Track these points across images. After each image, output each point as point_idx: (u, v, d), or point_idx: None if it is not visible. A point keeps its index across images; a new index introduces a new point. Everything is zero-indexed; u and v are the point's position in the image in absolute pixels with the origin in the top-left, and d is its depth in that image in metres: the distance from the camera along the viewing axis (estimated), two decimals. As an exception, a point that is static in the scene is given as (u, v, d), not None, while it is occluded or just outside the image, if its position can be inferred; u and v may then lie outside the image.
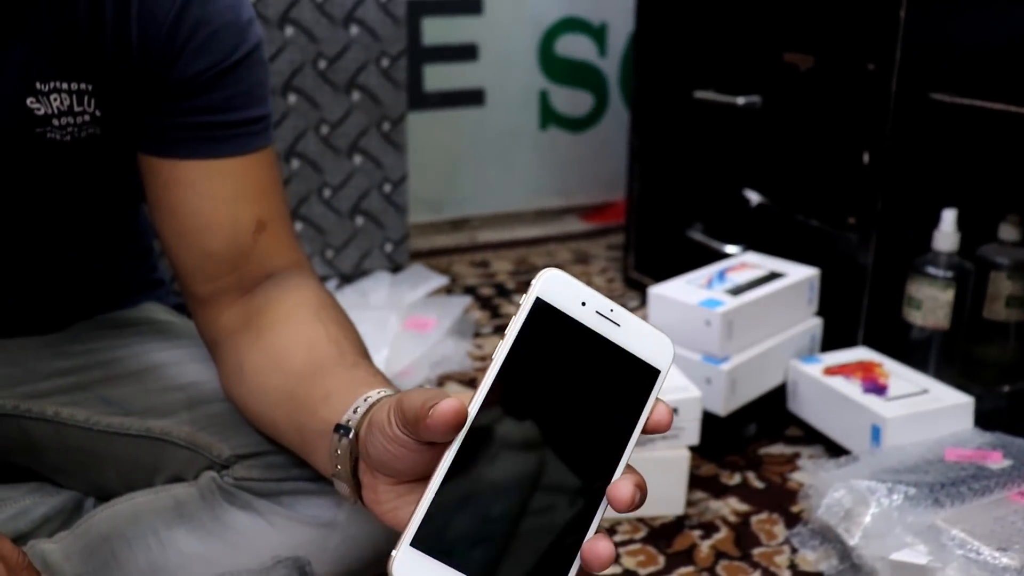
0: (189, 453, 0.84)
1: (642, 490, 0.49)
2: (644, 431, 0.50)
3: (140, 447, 0.86)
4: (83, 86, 0.78)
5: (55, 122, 0.79)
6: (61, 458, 0.90)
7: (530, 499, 0.48)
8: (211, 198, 0.81)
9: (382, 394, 0.64)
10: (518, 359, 0.48)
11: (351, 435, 0.62)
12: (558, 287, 0.48)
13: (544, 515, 0.48)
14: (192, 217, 0.82)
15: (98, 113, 0.80)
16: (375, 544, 0.81)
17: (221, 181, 0.82)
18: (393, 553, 0.46)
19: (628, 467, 0.50)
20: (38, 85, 0.76)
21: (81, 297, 0.98)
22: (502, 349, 0.48)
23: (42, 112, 0.77)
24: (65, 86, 0.77)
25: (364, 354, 0.76)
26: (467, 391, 1.38)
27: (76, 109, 0.79)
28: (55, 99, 0.77)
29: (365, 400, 0.63)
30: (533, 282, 0.48)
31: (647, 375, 0.50)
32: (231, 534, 0.79)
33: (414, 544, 0.46)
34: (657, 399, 0.50)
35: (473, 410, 0.47)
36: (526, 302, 0.48)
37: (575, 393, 0.49)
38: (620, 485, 0.48)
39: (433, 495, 0.46)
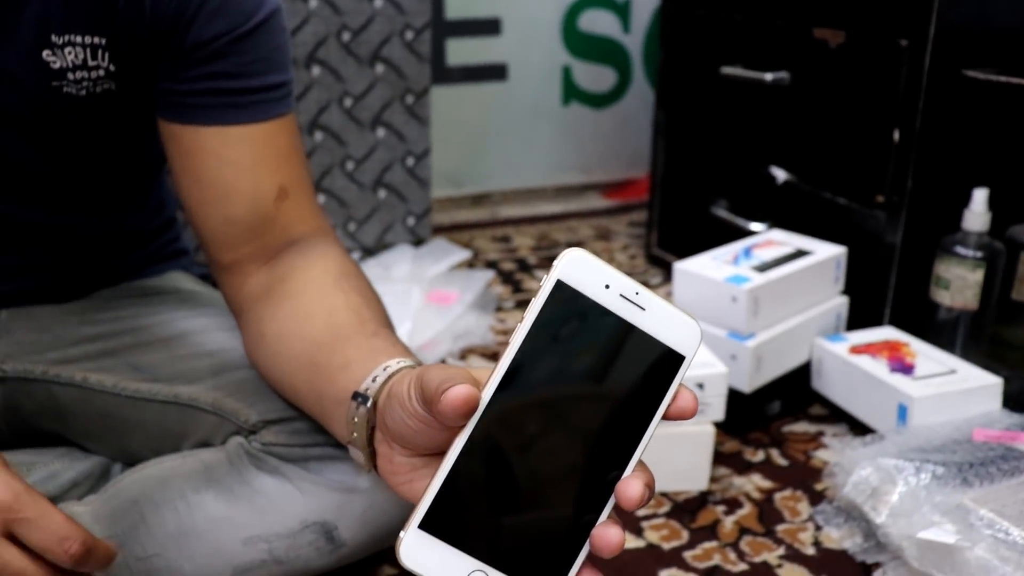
0: (216, 419, 0.84)
1: (651, 488, 0.48)
2: (668, 417, 0.49)
3: (167, 413, 0.87)
4: (97, 40, 0.78)
5: (70, 76, 0.78)
6: (89, 423, 0.90)
7: (542, 485, 0.47)
8: (232, 165, 0.81)
9: (402, 364, 0.64)
10: (536, 343, 0.46)
11: (368, 404, 0.61)
12: (581, 268, 0.46)
13: (555, 501, 0.47)
14: (214, 184, 0.82)
15: (112, 68, 0.79)
16: (401, 508, 0.82)
17: (242, 148, 0.81)
18: (401, 534, 0.45)
19: (640, 464, 0.49)
20: (53, 38, 0.76)
21: (106, 265, 0.98)
22: (520, 332, 0.46)
23: (57, 65, 0.77)
24: (79, 39, 0.77)
25: (386, 323, 0.76)
26: (490, 366, 1.38)
27: (90, 63, 0.79)
28: (69, 52, 0.77)
29: (384, 369, 0.63)
30: (555, 263, 0.46)
31: (672, 361, 0.48)
32: (259, 498, 0.79)
33: (423, 526, 0.45)
34: (681, 385, 0.49)
35: (487, 395, 0.46)
36: (546, 284, 0.46)
37: (594, 379, 0.47)
38: (630, 484, 0.47)
39: (444, 478, 0.46)
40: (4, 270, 0.90)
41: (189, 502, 0.80)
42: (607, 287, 0.47)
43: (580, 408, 0.47)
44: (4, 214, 0.86)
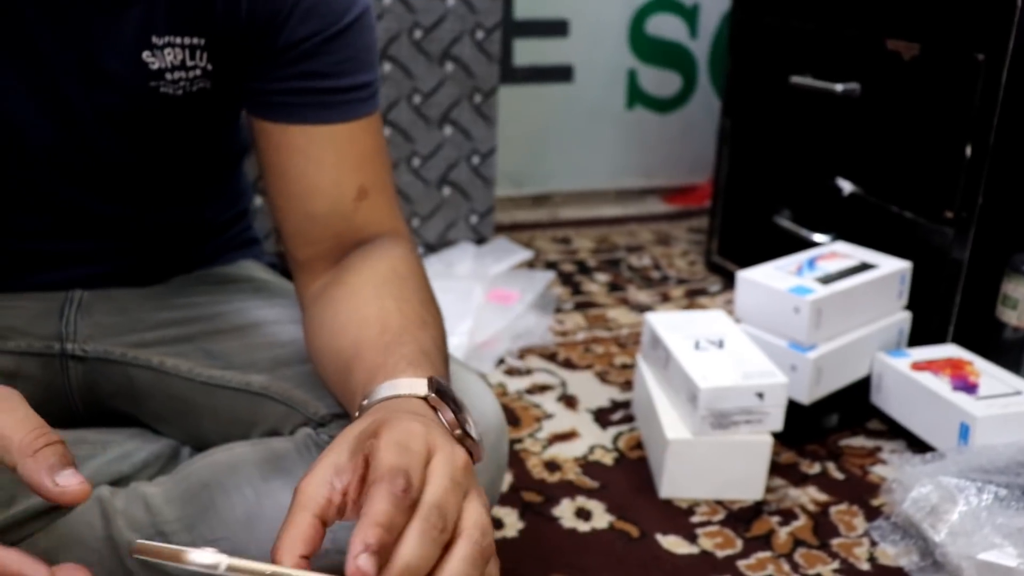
0: (286, 409, 0.86)
1: None
2: None
3: (239, 400, 0.89)
4: (196, 40, 0.80)
5: (168, 76, 0.81)
6: (162, 406, 0.93)
7: None
8: (316, 163, 0.83)
9: (384, 394, 0.64)
10: None
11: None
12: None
13: None
14: (297, 181, 0.83)
15: (209, 67, 0.81)
16: None
17: (326, 147, 0.83)
18: None
19: None
20: (154, 39, 0.78)
21: (183, 253, 1.00)
22: None
23: (156, 66, 0.80)
24: (179, 40, 0.79)
25: (410, 329, 0.74)
26: (548, 365, 1.39)
27: (188, 63, 0.81)
28: (168, 53, 0.79)
29: (366, 401, 0.65)
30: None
31: None
32: (324, 489, 0.80)
33: None
34: None
35: None
36: None
37: None
38: None
39: None
40: (84, 254, 0.93)
41: (257, 489, 0.82)
42: None
43: None
44: (86, 205, 0.89)
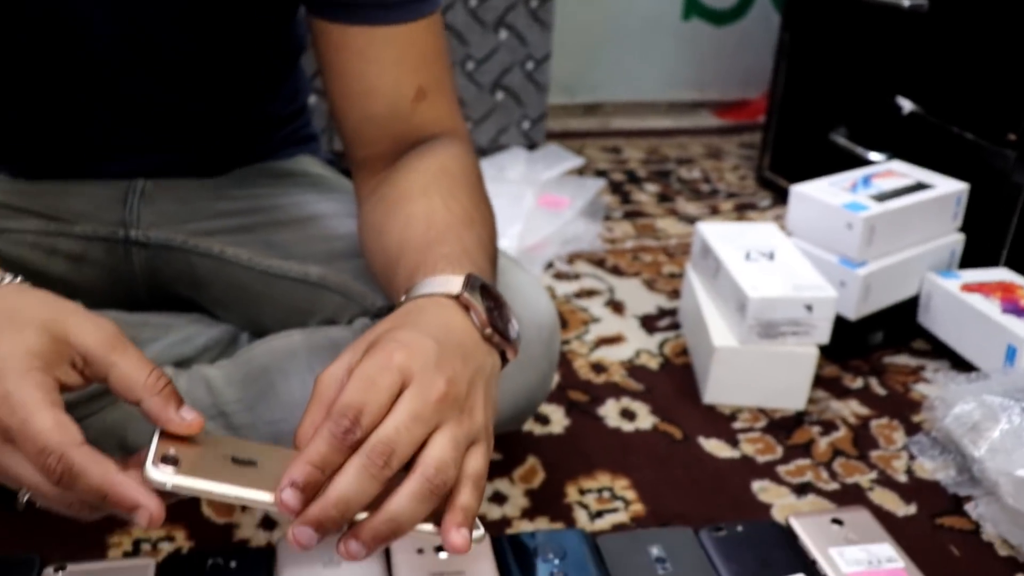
0: (343, 299, 0.89)
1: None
2: None
3: (297, 290, 0.91)
4: None
5: None
6: (222, 293, 0.96)
7: None
8: (375, 64, 0.83)
9: (418, 292, 0.66)
10: None
11: None
12: None
13: None
14: (357, 81, 0.83)
15: None
16: (529, 391, 0.85)
17: (386, 48, 0.83)
18: None
19: None
20: None
21: (242, 144, 1.02)
22: None
23: None
24: None
25: (455, 228, 0.74)
26: (596, 271, 1.40)
27: None
28: None
29: (405, 298, 0.66)
30: None
31: None
32: (381, 376, 0.83)
33: None
34: None
35: None
36: None
37: None
38: None
39: None
40: (146, 145, 0.95)
41: (316, 374, 0.84)
42: None
43: None
44: (149, 98, 0.90)
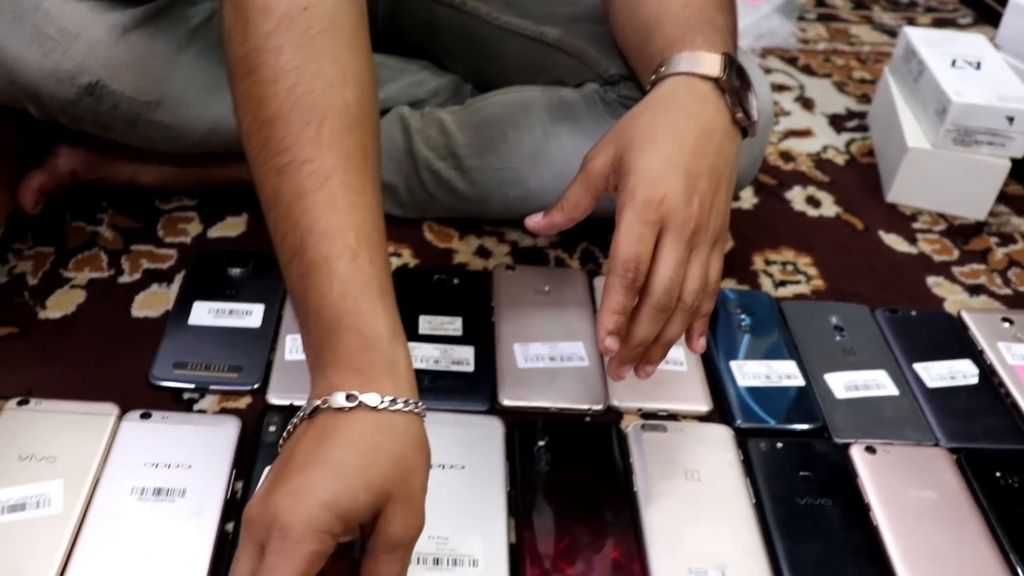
0: (575, 63, 0.93)
1: None
2: None
3: (530, 48, 0.96)
4: None
5: None
6: (456, 43, 1.02)
7: None
8: None
9: (676, 68, 0.69)
10: None
11: None
12: None
13: None
14: None
15: None
16: (743, 170, 0.86)
17: None
18: None
19: None
20: None
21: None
22: None
23: None
24: None
25: (708, 9, 0.74)
26: (787, 68, 1.43)
27: None
28: None
29: (664, 69, 0.70)
30: None
31: None
32: (606, 139, 0.90)
33: None
34: None
35: None
36: None
37: None
38: None
39: None
40: None
41: (546, 130, 0.91)
42: None
43: None
44: None
